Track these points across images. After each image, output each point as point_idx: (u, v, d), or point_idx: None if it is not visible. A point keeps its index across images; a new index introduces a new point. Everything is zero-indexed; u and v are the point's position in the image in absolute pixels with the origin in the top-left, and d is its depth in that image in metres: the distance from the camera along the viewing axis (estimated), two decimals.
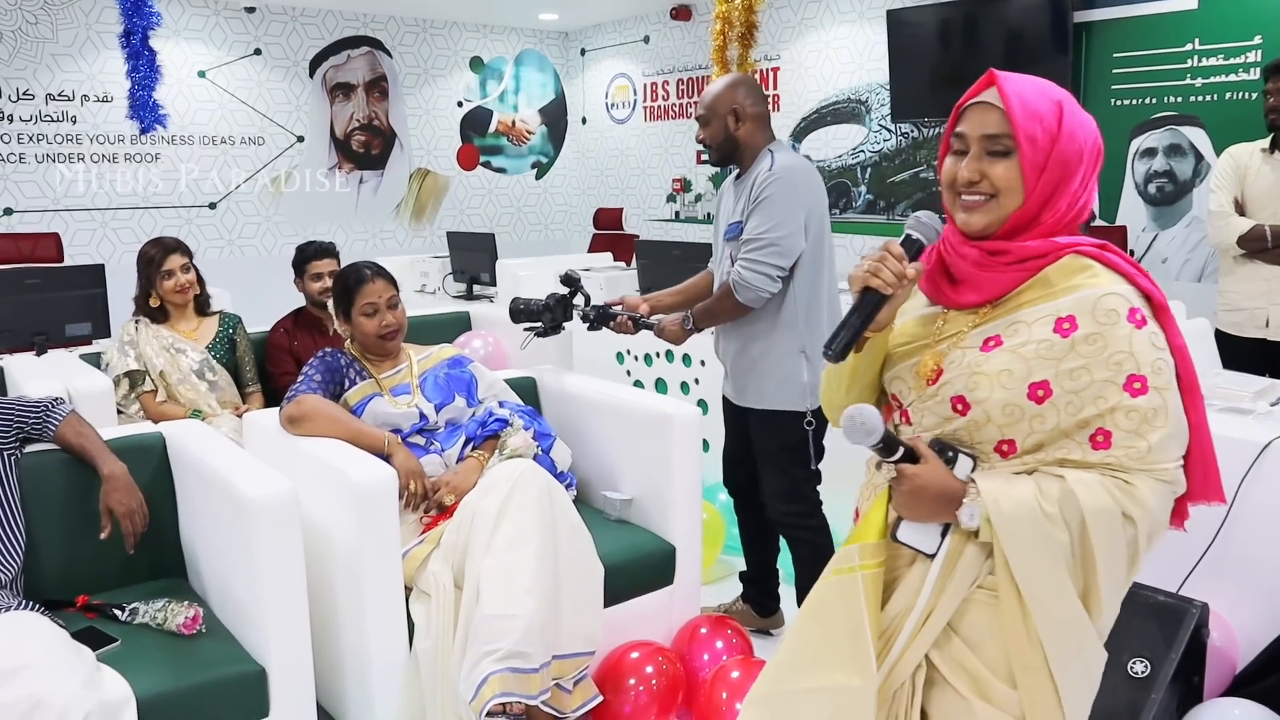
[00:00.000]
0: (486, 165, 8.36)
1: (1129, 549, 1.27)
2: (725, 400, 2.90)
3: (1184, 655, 2.20)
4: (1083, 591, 1.28)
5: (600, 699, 2.35)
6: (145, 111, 4.38)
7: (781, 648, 1.44)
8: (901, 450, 1.29)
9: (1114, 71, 5.01)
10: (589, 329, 2.89)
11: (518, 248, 8.20)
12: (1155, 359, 1.26)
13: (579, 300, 2.93)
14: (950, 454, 1.31)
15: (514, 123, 8.51)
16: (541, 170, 8.71)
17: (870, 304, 1.31)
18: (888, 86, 5.95)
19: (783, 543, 2.97)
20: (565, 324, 2.97)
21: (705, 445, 3.30)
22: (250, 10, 6.96)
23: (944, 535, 1.31)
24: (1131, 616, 2.27)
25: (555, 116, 8.74)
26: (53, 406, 2.38)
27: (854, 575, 1.33)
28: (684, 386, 4.07)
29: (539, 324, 2.99)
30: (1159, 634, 2.25)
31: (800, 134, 6.78)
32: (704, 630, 2.63)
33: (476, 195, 8.32)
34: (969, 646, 1.32)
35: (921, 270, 1.34)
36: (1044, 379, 1.27)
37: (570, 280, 2.92)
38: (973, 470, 1.31)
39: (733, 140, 2.68)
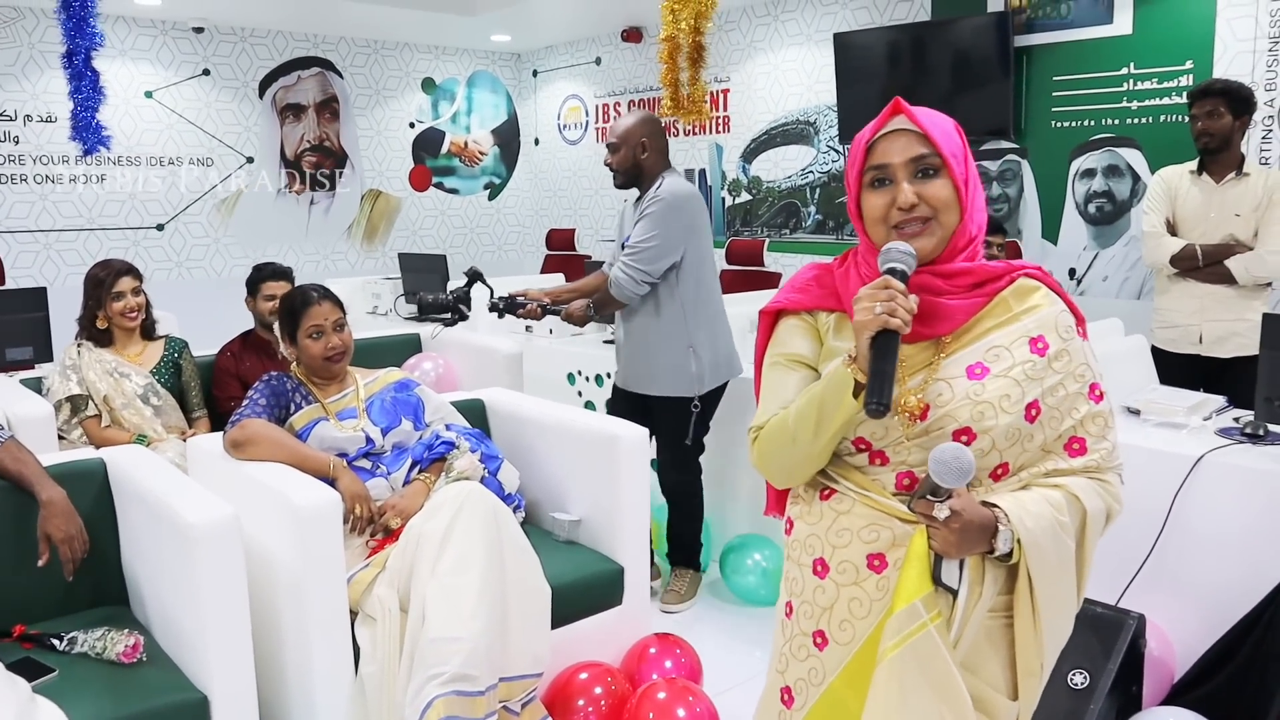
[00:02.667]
0: (439, 186, 8.34)
1: (1100, 539, 1.37)
2: (617, 390, 3.36)
3: (1122, 665, 2.24)
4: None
5: None
6: (88, 133, 4.31)
7: None
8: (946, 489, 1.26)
9: (1054, 95, 5.13)
10: (499, 317, 3.25)
11: (490, 280, 8.17)
12: (1098, 367, 1.39)
13: (486, 293, 3.29)
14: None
15: (466, 144, 8.51)
16: (494, 191, 8.71)
17: (893, 346, 1.25)
18: (835, 108, 6.04)
19: None
20: (469, 314, 3.43)
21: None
22: (199, 30, 6.90)
23: (960, 568, 1.30)
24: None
25: (508, 137, 8.75)
26: None
27: (927, 631, 1.27)
28: None
29: (447, 316, 3.50)
30: (1098, 645, 2.30)
31: (750, 155, 6.86)
32: (653, 650, 2.64)
33: (429, 216, 8.29)
34: (971, 672, 1.33)
35: (918, 302, 1.29)
36: (1035, 398, 1.31)
37: (474, 275, 3.36)
38: None
39: (638, 167, 3.13)
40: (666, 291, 3.11)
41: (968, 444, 1.29)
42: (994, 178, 5.44)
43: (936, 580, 1.29)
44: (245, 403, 2.57)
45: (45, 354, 3.75)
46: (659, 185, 3.09)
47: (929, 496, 1.26)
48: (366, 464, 2.59)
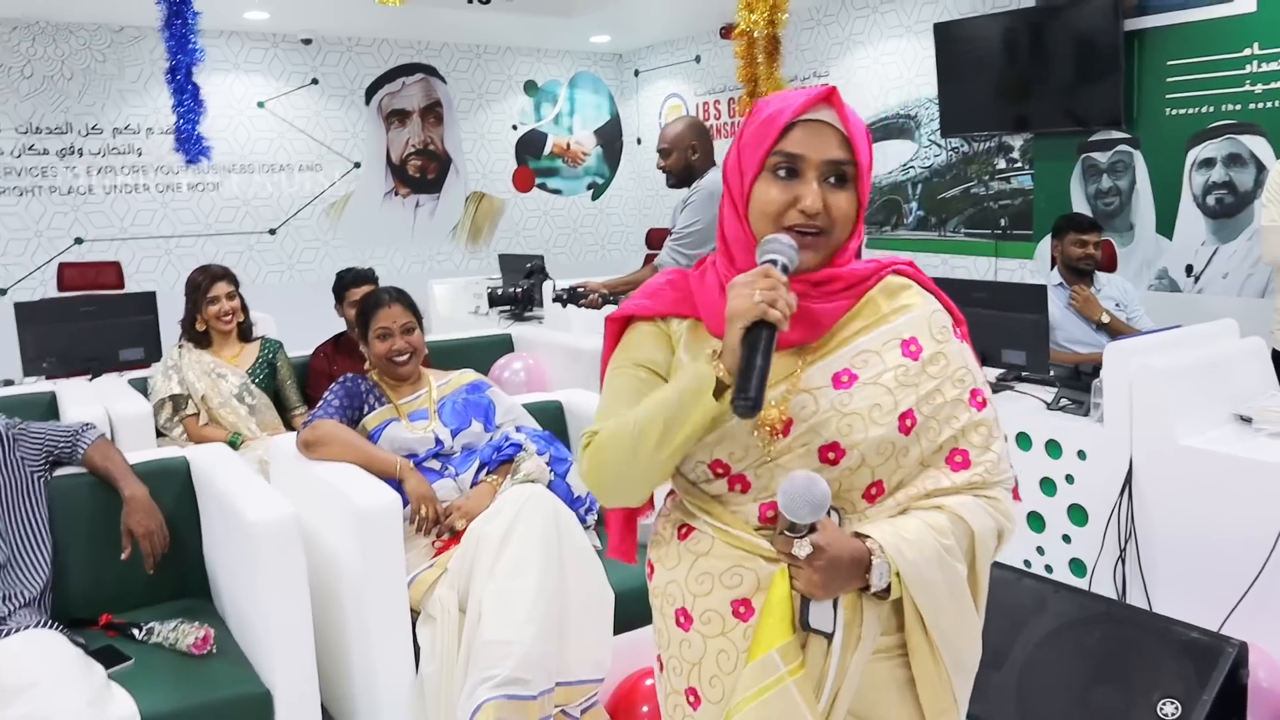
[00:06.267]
0: (542, 187, 8.43)
1: (992, 560, 1.24)
2: None
3: (1219, 696, 2.08)
4: None
5: None
6: (190, 145, 4.52)
7: None
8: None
9: (1169, 80, 4.82)
10: (563, 307, 3.62)
11: (574, 268, 8.24)
12: (980, 371, 1.26)
13: (549, 285, 3.71)
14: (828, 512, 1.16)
15: (569, 145, 8.58)
16: (598, 191, 8.76)
17: (768, 339, 1.11)
18: (937, 100, 5.84)
19: None
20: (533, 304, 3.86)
21: None
22: (307, 42, 7.14)
23: (834, 609, 1.17)
24: (1162, 654, 2.18)
25: (610, 137, 8.79)
26: (82, 431, 2.45)
27: (785, 686, 1.13)
28: None
29: (513, 306, 4.10)
30: (1192, 673, 2.14)
31: None
32: None
33: (532, 217, 8.39)
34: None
35: (797, 299, 1.15)
36: (909, 407, 1.18)
37: (535, 269, 3.87)
38: (840, 524, 1.18)
39: (690, 167, 3.47)
40: None
41: (835, 460, 1.17)
42: (1104, 170, 5.15)
43: (805, 625, 1.15)
44: (320, 404, 2.64)
45: (156, 354, 3.94)
46: (702, 178, 3.39)
47: (787, 533, 1.12)
48: (436, 465, 2.62)
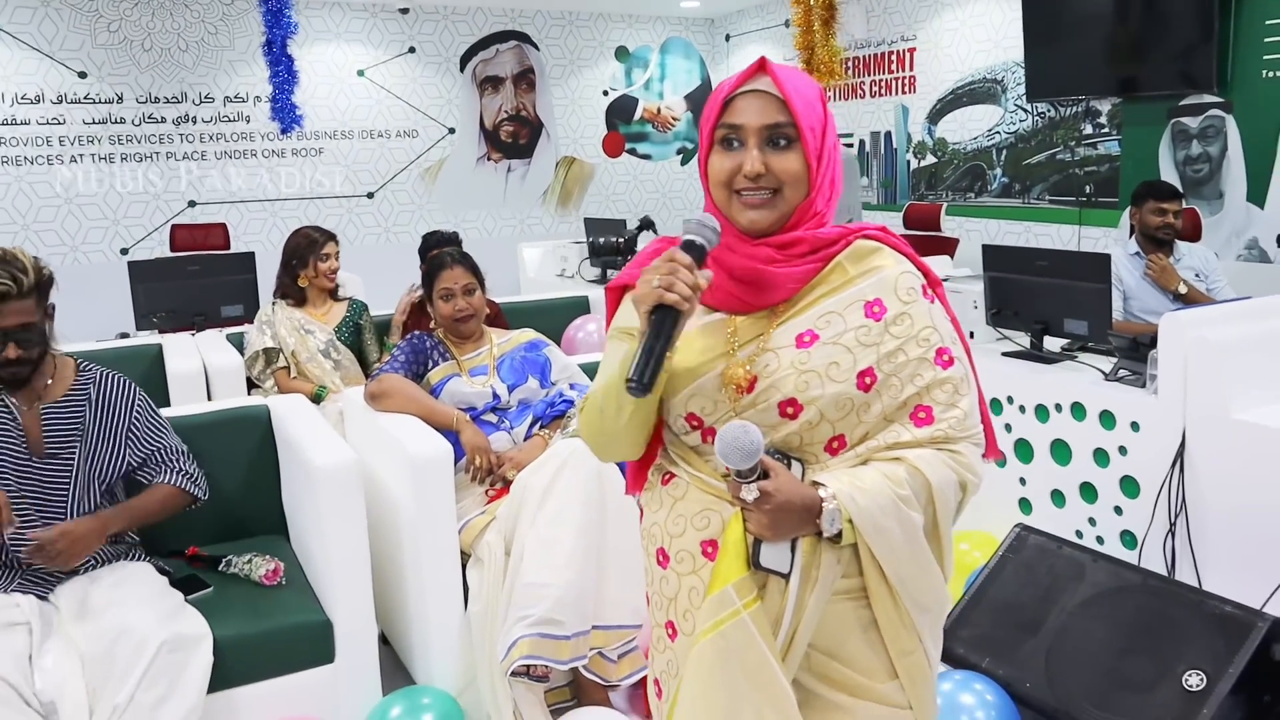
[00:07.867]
0: (632, 152, 8.53)
1: (957, 513, 1.29)
2: None
3: (1247, 670, 2.09)
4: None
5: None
6: (285, 114, 4.77)
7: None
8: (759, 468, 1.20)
9: (1265, 41, 4.59)
10: None
11: (663, 232, 8.30)
12: (950, 330, 1.31)
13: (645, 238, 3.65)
14: (785, 460, 1.25)
15: (659, 110, 8.65)
16: (687, 156, 8.81)
17: (668, 324, 1.18)
18: (1023, 64, 5.70)
19: None
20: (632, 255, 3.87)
21: None
22: (404, 11, 7.38)
23: (793, 550, 1.24)
24: (1194, 626, 2.19)
25: (700, 102, 8.81)
26: (174, 469, 2.39)
27: (740, 618, 1.21)
28: None
29: (618, 258, 4.05)
30: (1221, 646, 2.15)
31: (935, 116, 6.58)
32: None
33: (622, 182, 8.51)
34: (830, 657, 1.28)
35: (710, 278, 1.21)
36: (869, 365, 1.24)
37: (646, 223, 3.80)
38: (803, 474, 1.26)
39: None
40: None
41: (794, 415, 1.25)
42: (1194, 135, 4.97)
43: (756, 564, 1.23)
44: (387, 359, 2.81)
45: (253, 311, 4.18)
46: None
47: (735, 478, 1.19)
48: (493, 418, 2.76)
